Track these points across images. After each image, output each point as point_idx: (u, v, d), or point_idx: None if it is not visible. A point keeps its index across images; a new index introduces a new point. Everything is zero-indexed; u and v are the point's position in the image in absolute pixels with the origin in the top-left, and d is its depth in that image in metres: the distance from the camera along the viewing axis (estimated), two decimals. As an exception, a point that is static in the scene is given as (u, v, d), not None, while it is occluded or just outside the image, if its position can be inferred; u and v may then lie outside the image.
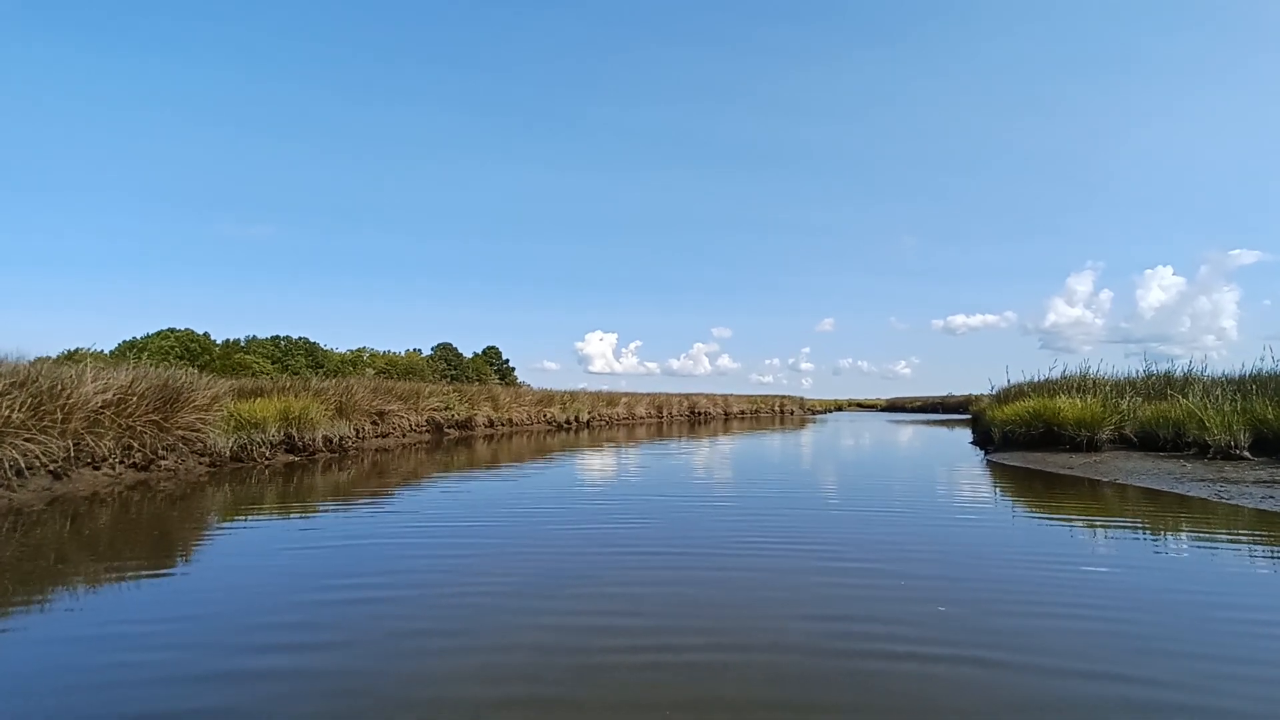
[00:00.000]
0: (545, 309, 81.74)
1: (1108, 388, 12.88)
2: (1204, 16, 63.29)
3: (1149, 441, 11.18)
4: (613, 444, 17.64)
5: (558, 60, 70.08)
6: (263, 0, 58.51)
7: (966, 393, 54.98)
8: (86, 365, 8.31)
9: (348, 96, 65.49)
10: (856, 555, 5.00)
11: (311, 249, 70.35)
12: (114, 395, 8.09)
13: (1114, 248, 77.07)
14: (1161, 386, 12.88)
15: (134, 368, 9.23)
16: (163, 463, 8.75)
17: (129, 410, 8.26)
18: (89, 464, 7.89)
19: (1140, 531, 5.82)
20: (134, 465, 8.41)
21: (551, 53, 69.60)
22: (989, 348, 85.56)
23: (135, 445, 8.36)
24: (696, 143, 76.50)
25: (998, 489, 8.76)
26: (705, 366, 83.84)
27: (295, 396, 11.86)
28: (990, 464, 11.54)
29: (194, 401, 9.20)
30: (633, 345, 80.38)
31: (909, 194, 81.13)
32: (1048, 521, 6.37)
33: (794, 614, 3.63)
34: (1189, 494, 7.56)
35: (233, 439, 9.80)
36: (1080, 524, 6.20)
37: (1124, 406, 11.74)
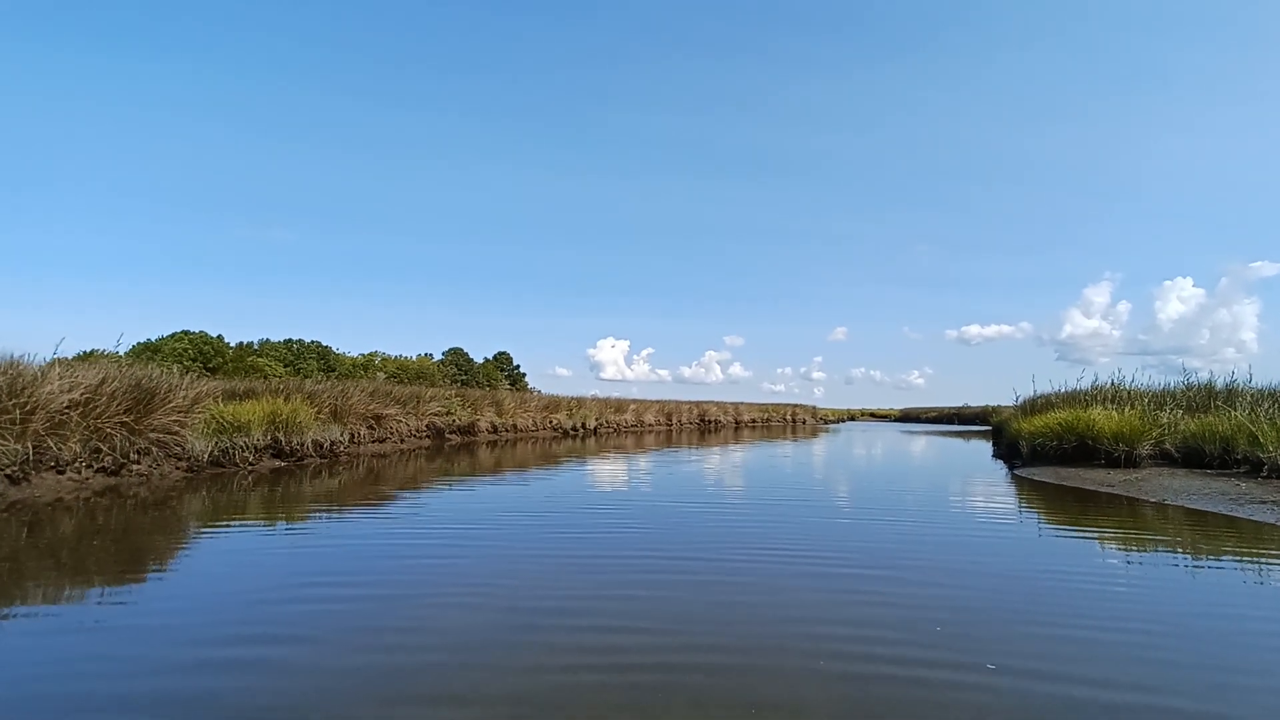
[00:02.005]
0: (558, 315, 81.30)
1: (1146, 399, 12.03)
2: (1225, 27, 61.84)
3: (1193, 458, 10.33)
4: (619, 451, 17.04)
5: (573, 68, 70.01)
6: (288, 6, 59.07)
7: (982, 403, 53.67)
8: (55, 364, 7.86)
9: (367, 101, 65.81)
10: (891, 583, 4.30)
11: (327, 252, 70.52)
12: (81, 395, 7.62)
13: (1132, 259, 75.35)
14: (1204, 399, 12.02)
15: (112, 366, 8.78)
16: (135, 467, 8.26)
17: (97, 411, 7.79)
18: (52, 468, 7.41)
19: (1211, 560, 5.06)
20: (103, 470, 7.92)
21: (567, 60, 69.60)
22: (1004, 358, 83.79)
23: (104, 448, 7.87)
24: (712, 151, 75.98)
25: (1033, 508, 8.00)
26: (717, 374, 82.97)
27: (285, 399, 11.37)
28: (1019, 479, 10.75)
29: (171, 403, 8.71)
30: (644, 352, 79.71)
31: (924, 203, 79.86)
32: (1100, 547, 5.63)
33: (819, 653, 3.06)
34: (1250, 517, 6.77)
35: (212, 443, 9.30)
36: (1137, 549, 5.46)
37: (1165, 419, 10.90)
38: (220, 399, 11.02)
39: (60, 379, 7.49)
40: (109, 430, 7.90)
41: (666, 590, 4.08)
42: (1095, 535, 6.19)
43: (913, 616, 3.58)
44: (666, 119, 72.00)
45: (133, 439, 8.17)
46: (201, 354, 46.97)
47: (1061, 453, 11.39)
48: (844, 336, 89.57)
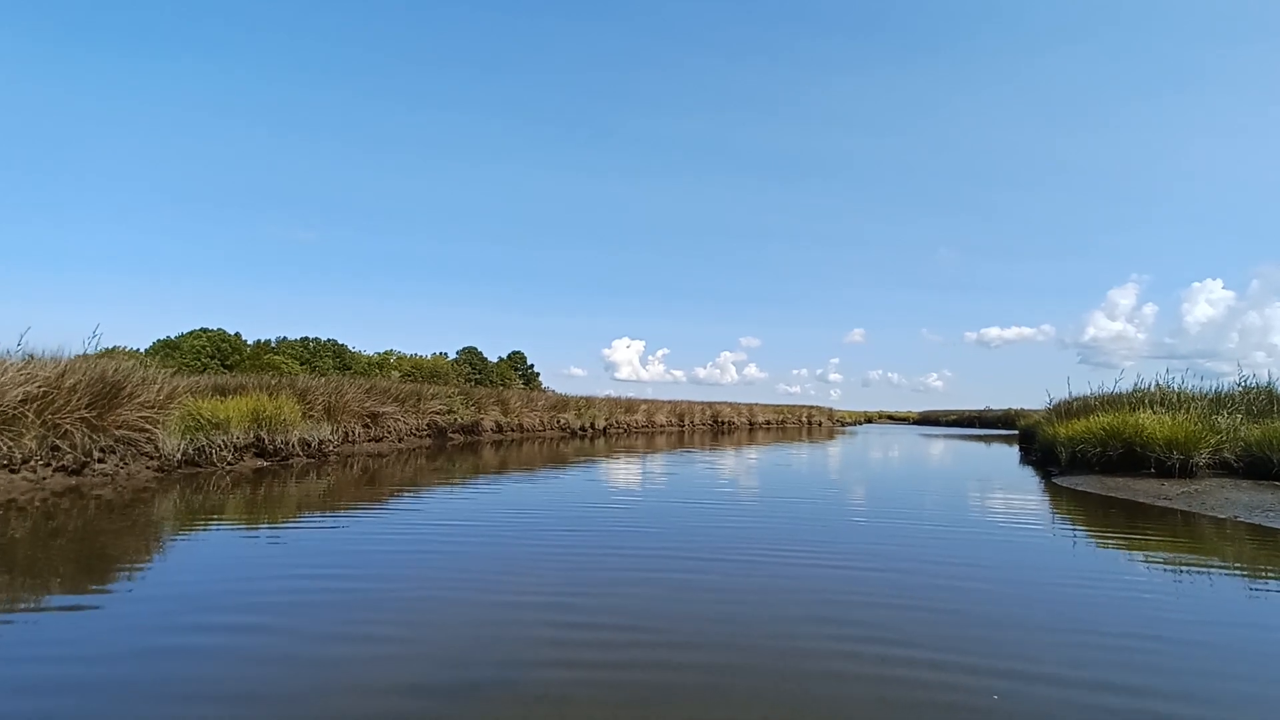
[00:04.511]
0: (573, 315, 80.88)
1: (1200, 403, 11.00)
2: (1255, 30, 59.49)
3: (1258, 468, 9.33)
4: (627, 452, 16.32)
5: (593, 69, 69.50)
6: (316, 10, 59.41)
7: (1003, 406, 52.02)
8: (13, 356, 7.34)
9: (388, 102, 66.06)
10: (931, 620, 3.50)
11: (346, 252, 70.90)
12: (39, 389, 7.07)
13: (1160, 261, 73.05)
14: (1264, 403, 10.97)
15: (78, 360, 8.24)
16: (99, 466, 7.70)
17: (56, 406, 7.23)
18: (4, 466, 6.87)
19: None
20: (63, 469, 7.37)
21: (587, 62, 69.13)
22: (1024, 361, 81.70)
23: (64, 446, 7.32)
24: (733, 152, 75.01)
25: (1082, 523, 7.11)
26: (732, 375, 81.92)
27: (270, 395, 10.81)
28: (1059, 489, 9.80)
29: (140, 398, 8.15)
30: (660, 353, 79.00)
31: (947, 206, 78.09)
32: (1169, 570, 4.75)
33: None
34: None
35: (186, 440, 8.73)
36: (1213, 573, 4.57)
37: (1223, 425, 9.89)
38: (209, 394, 10.50)
39: (15, 371, 6.94)
40: (68, 427, 7.34)
41: (670, 590, 3.93)
42: (1158, 555, 5.31)
43: (962, 633, 2.95)
44: (686, 121, 71.32)
45: (95, 436, 7.61)
46: (219, 351, 47.24)
47: (1105, 460, 10.42)
48: (862, 338, 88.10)
